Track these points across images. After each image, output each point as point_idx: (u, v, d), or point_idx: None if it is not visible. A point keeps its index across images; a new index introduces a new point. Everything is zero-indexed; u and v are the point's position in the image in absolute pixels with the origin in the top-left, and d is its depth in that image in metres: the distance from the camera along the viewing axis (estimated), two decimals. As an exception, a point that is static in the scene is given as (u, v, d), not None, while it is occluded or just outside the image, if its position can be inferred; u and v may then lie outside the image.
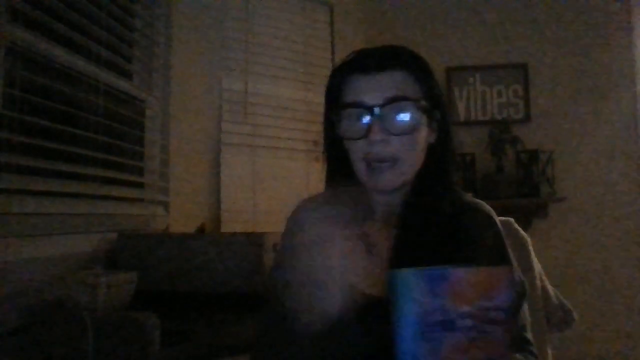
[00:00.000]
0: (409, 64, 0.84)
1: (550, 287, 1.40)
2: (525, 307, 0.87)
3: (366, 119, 0.81)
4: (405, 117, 0.81)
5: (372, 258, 0.85)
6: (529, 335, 0.85)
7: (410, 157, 0.83)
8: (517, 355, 0.79)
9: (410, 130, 0.81)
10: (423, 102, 0.82)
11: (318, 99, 2.35)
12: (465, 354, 0.58)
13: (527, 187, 2.73)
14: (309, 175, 2.48)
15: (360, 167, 0.83)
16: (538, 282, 1.35)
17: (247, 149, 2.35)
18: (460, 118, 2.98)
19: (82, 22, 1.51)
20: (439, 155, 0.87)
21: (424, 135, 0.84)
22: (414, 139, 0.82)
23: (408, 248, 0.81)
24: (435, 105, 0.85)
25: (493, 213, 0.88)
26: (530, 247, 1.31)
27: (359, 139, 0.81)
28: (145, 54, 1.92)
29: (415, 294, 0.58)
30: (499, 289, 0.59)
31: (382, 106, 0.80)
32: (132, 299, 1.29)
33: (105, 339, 1.06)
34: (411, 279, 0.59)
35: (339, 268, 0.79)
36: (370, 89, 0.82)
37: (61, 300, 1.21)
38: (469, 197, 0.91)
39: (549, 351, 1.40)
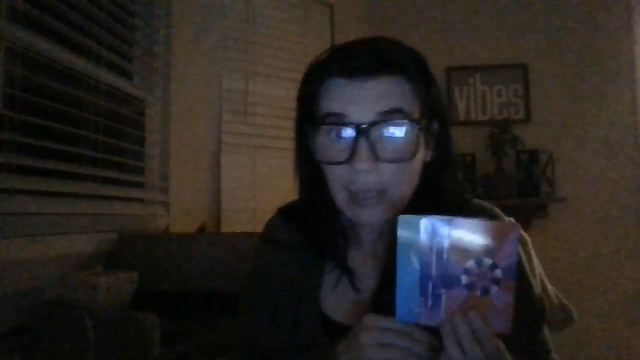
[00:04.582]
0: (408, 67, 0.67)
1: (550, 287, 1.40)
2: (546, 330, 0.77)
3: (350, 138, 0.64)
4: (401, 138, 0.65)
5: (356, 293, 0.73)
6: (555, 356, 0.76)
7: (402, 187, 0.67)
8: None
9: (406, 155, 0.65)
10: (424, 119, 0.67)
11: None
12: (466, 316, 0.55)
13: (527, 187, 2.73)
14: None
15: (339, 197, 0.68)
16: (538, 282, 1.35)
17: (247, 149, 2.35)
18: (460, 118, 2.98)
19: (82, 22, 1.51)
20: (436, 174, 0.72)
21: (420, 158, 0.69)
22: (410, 165, 0.66)
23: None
24: (434, 116, 0.70)
25: (501, 216, 0.78)
26: (531, 247, 1.31)
27: (340, 163, 0.65)
28: (145, 54, 1.92)
29: (419, 240, 0.56)
30: (505, 246, 0.55)
31: (372, 124, 0.63)
32: (132, 299, 1.29)
33: (105, 339, 1.06)
34: (416, 224, 0.56)
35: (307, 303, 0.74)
36: (357, 100, 0.64)
37: (61, 300, 1.21)
38: (475, 202, 0.78)
39: (549, 351, 1.39)
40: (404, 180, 0.67)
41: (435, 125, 0.70)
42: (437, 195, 0.72)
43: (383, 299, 0.70)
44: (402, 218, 0.57)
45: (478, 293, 0.56)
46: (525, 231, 1.32)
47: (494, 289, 0.55)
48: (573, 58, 2.92)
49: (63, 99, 1.43)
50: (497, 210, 0.78)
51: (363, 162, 0.63)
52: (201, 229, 1.92)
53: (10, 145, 1.23)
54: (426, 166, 0.71)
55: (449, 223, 0.56)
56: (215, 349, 1.17)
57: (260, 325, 0.78)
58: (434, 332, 0.57)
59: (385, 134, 0.65)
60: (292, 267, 0.78)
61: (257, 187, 2.34)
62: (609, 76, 2.89)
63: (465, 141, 2.88)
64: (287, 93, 2.48)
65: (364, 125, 0.63)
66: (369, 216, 0.67)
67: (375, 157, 0.64)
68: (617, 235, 2.80)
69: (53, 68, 1.40)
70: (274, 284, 0.79)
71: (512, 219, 1.23)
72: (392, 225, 0.71)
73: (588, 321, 2.62)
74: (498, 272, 0.55)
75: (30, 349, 1.08)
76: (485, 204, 0.79)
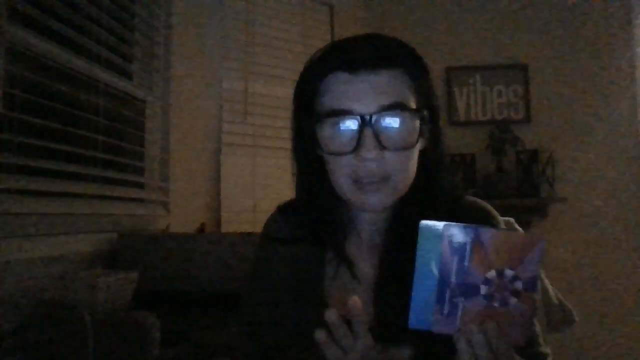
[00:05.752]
0: (406, 62, 0.72)
1: (550, 287, 1.39)
2: (536, 323, 0.78)
3: (356, 130, 0.68)
4: (402, 128, 0.69)
5: (355, 283, 0.75)
6: (544, 348, 0.76)
7: (405, 174, 0.71)
8: None
9: (408, 144, 0.69)
10: (423, 111, 0.71)
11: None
12: (482, 326, 0.54)
13: (527, 187, 2.73)
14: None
15: (344, 185, 0.71)
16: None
17: (247, 149, 2.35)
18: (460, 118, 2.98)
19: (82, 22, 1.51)
20: (430, 162, 0.76)
21: (418, 147, 0.73)
22: (411, 153, 0.71)
23: (396, 271, 0.70)
24: (428, 107, 0.74)
25: (494, 213, 0.80)
26: (530, 247, 1.30)
27: (346, 154, 0.69)
28: (145, 54, 1.92)
29: (440, 247, 0.55)
30: (528, 258, 0.54)
31: (376, 115, 0.67)
32: (132, 299, 1.29)
33: (105, 339, 1.06)
34: (438, 231, 0.55)
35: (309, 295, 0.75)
36: (361, 93, 0.68)
37: (61, 300, 1.21)
38: (468, 199, 0.81)
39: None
40: (405, 167, 0.71)
41: (428, 115, 0.74)
42: (433, 184, 0.76)
43: (384, 291, 0.72)
44: (424, 223, 0.56)
45: (496, 304, 0.55)
46: (525, 231, 1.32)
47: (513, 300, 0.55)
48: (573, 58, 2.92)
49: (63, 99, 1.43)
50: (491, 208, 0.80)
51: (369, 151, 0.67)
52: (201, 229, 1.92)
53: (10, 145, 1.23)
54: (421, 155, 0.75)
55: (473, 231, 0.55)
56: (215, 349, 1.17)
57: (264, 322, 0.79)
58: (447, 338, 0.57)
59: (388, 125, 0.69)
60: (293, 262, 0.79)
61: (257, 187, 2.34)
62: (609, 76, 2.89)
63: (465, 141, 2.88)
64: (287, 93, 2.47)
65: (368, 117, 0.67)
66: (373, 201, 0.71)
67: (380, 146, 0.67)
68: (617, 235, 2.80)
69: (53, 68, 1.40)
70: (275, 280, 0.80)
71: (511, 219, 1.24)
72: (388, 212, 0.76)
73: (588, 321, 2.62)
74: (519, 284, 0.54)
75: (30, 349, 1.08)
76: (479, 201, 0.81)
